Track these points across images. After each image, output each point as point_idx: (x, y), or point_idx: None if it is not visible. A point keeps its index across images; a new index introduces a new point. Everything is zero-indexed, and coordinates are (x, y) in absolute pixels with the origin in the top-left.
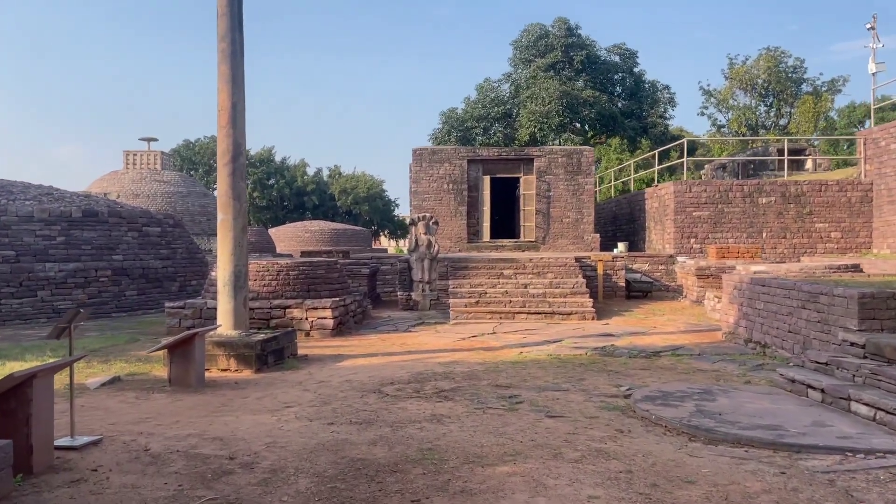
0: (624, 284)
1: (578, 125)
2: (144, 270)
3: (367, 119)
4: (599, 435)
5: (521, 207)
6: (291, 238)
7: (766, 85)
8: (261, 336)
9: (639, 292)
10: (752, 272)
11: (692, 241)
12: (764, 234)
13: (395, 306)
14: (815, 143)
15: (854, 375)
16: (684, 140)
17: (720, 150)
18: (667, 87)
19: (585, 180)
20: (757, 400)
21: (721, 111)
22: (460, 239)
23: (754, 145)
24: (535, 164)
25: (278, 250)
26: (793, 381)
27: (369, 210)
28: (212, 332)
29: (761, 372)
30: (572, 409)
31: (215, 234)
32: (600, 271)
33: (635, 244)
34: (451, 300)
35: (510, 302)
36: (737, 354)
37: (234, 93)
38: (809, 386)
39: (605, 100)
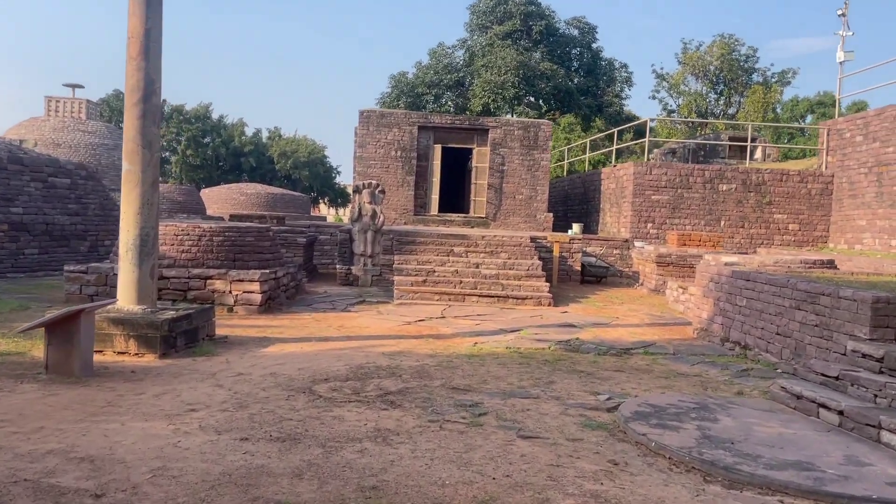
0: (579, 268)
1: (533, 99)
2: (49, 227)
3: (311, 82)
4: (591, 469)
5: (473, 181)
6: (225, 200)
7: (717, 72)
8: (170, 313)
9: (593, 277)
10: (724, 263)
11: (649, 225)
12: (722, 223)
13: (333, 280)
14: (760, 132)
15: (876, 396)
16: (647, 120)
17: (667, 136)
18: (624, 66)
19: (542, 156)
20: (765, 421)
21: (672, 96)
22: (406, 211)
23: (703, 132)
24: (489, 135)
25: (209, 213)
26: (798, 396)
27: (309, 176)
28: (110, 307)
29: (749, 379)
30: (548, 426)
31: None
32: (556, 253)
33: (588, 226)
34: (395, 277)
35: (461, 283)
36: (715, 356)
37: (150, 16)
38: (823, 405)
39: (563, 74)
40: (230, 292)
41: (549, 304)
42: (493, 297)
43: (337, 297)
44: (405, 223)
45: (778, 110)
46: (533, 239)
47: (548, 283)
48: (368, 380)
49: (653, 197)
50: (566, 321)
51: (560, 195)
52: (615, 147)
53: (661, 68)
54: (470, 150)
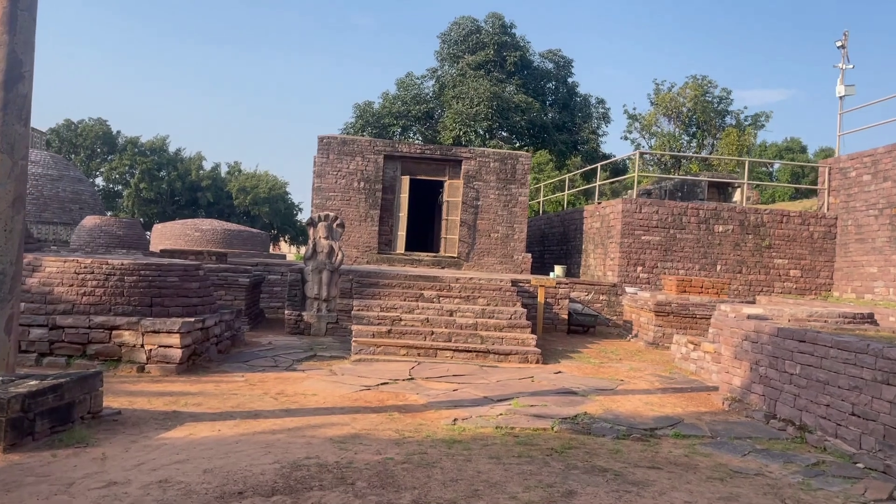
0: (566, 317)
1: (507, 133)
2: None
3: (273, 116)
4: None
5: (444, 216)
6: (179, 236)
7: (690, 114)
8: (29, 384)
9: (580, 326)
10: (747, 315)
11: (639, 269)
12: (719, 267)
13: (281, 328)
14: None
15: None
16: (637, 153)
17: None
18: (601, 102)
19: (520, 190)
20: None
21: (644, 137)
22: (369, 248)
23: (677, 173)
24: (463, 166)
25: (158, 249)
26: None
27: (270, 212)
28: None
29: (830, 481)
30: None
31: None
32: (541, 300)
33: (569, 269)
34: (354, 326)
35: (432, 334)
36: (766, 440)
37: None
38: None
39: (538, 108)
40: (142, 346)
41: (538, 362)
42: (471, 352)
43: (283, 349)
44: (368, 262)
45: (749, 154)
46: (514, 282)
47: (534, 336)
48: (305, 493)
49: (643, 237)
50: (564, 386)
51: (536, 235)
52: (598, 183)
53: (634, 108)
54: (441, 183)
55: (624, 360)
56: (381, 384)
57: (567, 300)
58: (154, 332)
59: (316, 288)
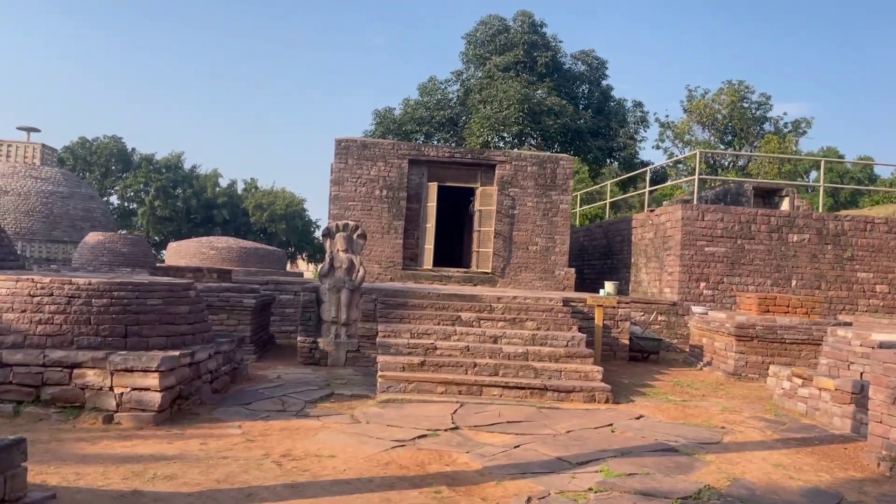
0: (626, 342)
1: (540, 139)
2: None
3: (290, 132)
4: None
5: (476, 227)
6: (194, 255)
7: (726, 121)
8: None
9: (640, 352)
10: (878, 343)
11: (702, 285)
12: (794, 283)
13: (293, 356)
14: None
15: None
16: (697, 152)
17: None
18: (639, 105)
19: (561, 197)
20: None
21: (677, 146)
22: (393, 264)
23: (714, 184)
24: (497, 171)
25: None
26: None
27: (286, 229)
28: None
29: None
30: None
31: None
32: (599, 322)
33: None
34: (380, 357)
35: (474, 366)
36: None
37: None
38: None
39: (572, 111)
40: (110, 389)
41: (608, 401)
42: (523, 388)
43: (293, 386)
44: (391, 279)
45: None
46: (566, 302)
47: (599, 368)
48: None
49: (706, 249)
50: (656, 438)
51: (574, 249)
52: (648, 189)
53: (667, 116)
54: (472, 191)
55: (708, 396)
56: (419, 437)
57: (628, 322)
58: (126, 370)
59: (333, 310)
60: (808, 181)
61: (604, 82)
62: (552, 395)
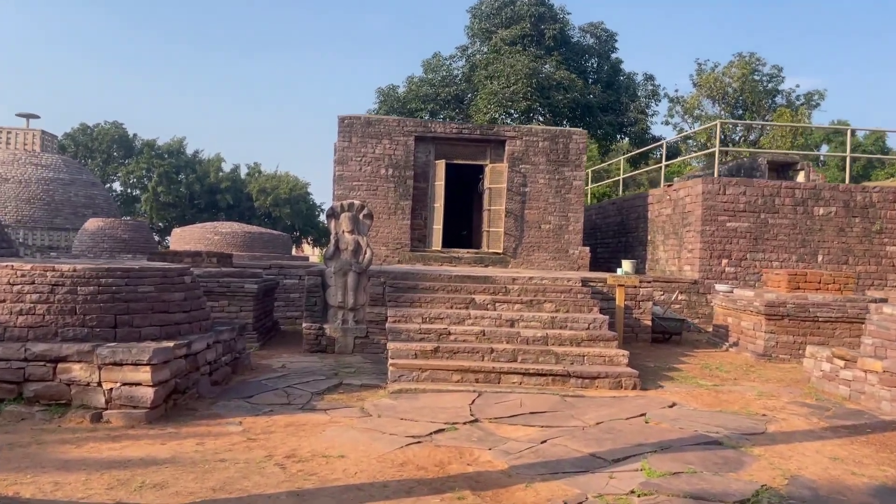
0: (649, 323)
1: (547, 114)
2: None
3: (293, 115)
4: None
5: (486, 206)
6: (199, 240)
7: (736, 95)
8: None
9: (662, 334)
10: None
11: (724, 262)
12: (820, 258)
13: (299, 343)
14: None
15: None
16: (717, 122)
17: (680, 167)
18: (650, 78)
19: (574, 173)
20: None
21: (686, 121)
22: (400, 245)
23: (726, 158)
24: (506, 147)
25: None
26: None
27: (291, 213)
28: None
29: None
30: None
31: None
32: (620, 303)
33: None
34: (390, 344)
35: (491, 352)
36: None
37: None
38: None
39: (581, 85)
40: (99, 384)
41: (636, 387)
42: (544, 375)
43: (299, 376)
44: (399, 261)
45: (804, 136)
46: (584, 282)
47: (624, 352)
48: None
49: (728, 224)
50: (695, 429)
51: (586, 227)
52: (664, 163)
53: (676, 91)
54: (481, 168)
55: (740, 380)
56: (436, 432)
57: (650, 302)
58: (115, 364)
59: (340, 294)
60: (821, 155)
61: (613, 55)
62: (575, 382)
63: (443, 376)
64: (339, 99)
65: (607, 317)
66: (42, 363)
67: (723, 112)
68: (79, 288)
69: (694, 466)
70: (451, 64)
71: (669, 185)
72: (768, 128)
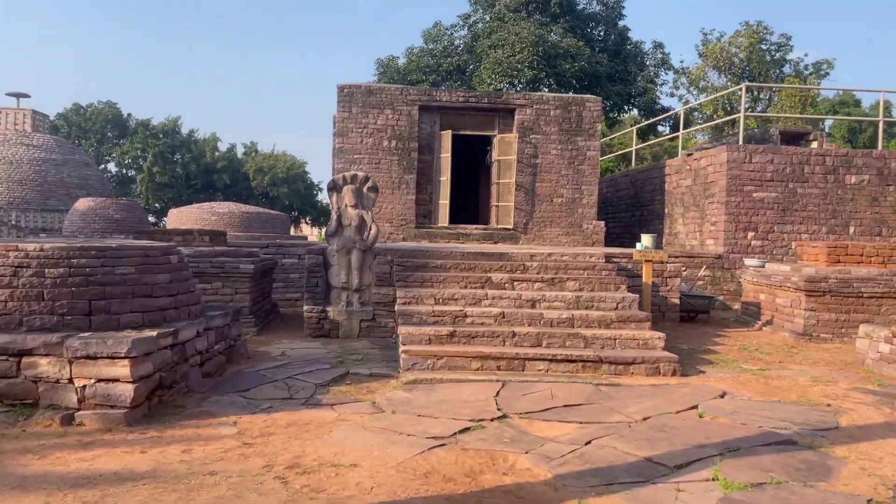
0: (677, 301)
1: (555, 84)
2: None
3: (290, 93)
4: None
5: (495, 180)
6: (196, 221)
7: (743, 65)
8: None
9: (690, 313)
10: None
11: (750, 235)
12: (851, 230)
13: (300, 327)
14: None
15: None
16: (743, 86)
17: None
18: (659, 46)
19: (588, 143)
20: None
21: (692, 93)
22: (405, 221)
23: (733, 128)
24: (516, 116)
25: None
26: None
27: (289, 193)
28: None
29: None
30: None
31: None
32: (647, 280)
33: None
34: (401, 328)
35: (513, 336)
36: None
37: None
38: None
39: (588, 54)
40: (69, 381)
41: (675, 373)
42: (573, 361)
43: (300, 365)
44: (403, 238)
45: (814, 106)
46: (608, 257)
47: (659, 334)
48: None
49: (754, 194)
50: (759, 425)
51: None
52: (682, 132)
53: (681, 62)
54: (489, 139)
55: (785, 363)
56: (461, 431)
57: (678, 279)
58: (88, 357)
59: (343, 274)
60: (825, 128)
61: (620, 23)
62: (608, 369)
63: (461, 364)
64: (338, 75)
65: (637, 296)
66: (4, 357)
67: (729, 83)
68: (47, 270)
69: (775, 475)
70: (452, 33)
71: (690, 155)
72: (776, 99)
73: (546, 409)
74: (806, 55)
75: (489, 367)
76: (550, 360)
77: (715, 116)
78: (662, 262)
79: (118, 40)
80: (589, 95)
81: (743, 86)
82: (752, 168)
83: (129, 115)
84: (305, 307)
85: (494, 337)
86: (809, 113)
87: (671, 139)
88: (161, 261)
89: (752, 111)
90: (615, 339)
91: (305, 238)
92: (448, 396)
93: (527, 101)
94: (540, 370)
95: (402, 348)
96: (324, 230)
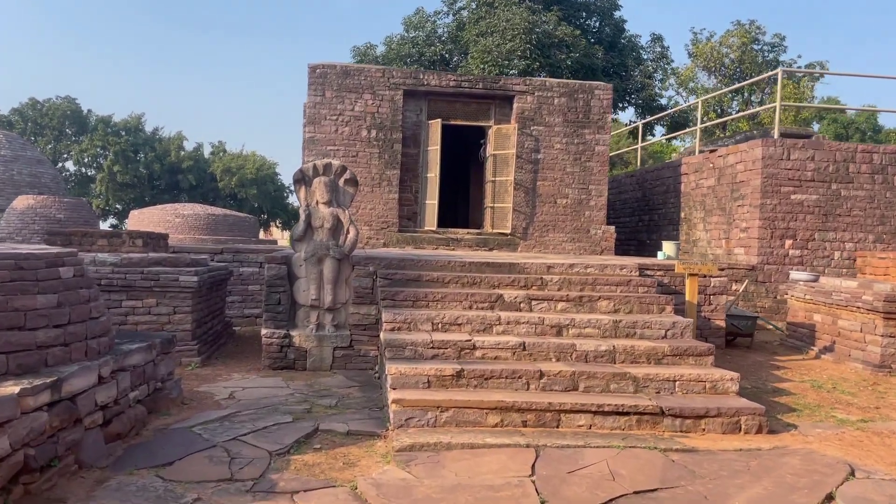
0: (722, 323)
1: (549, 76)
2: None
3: (260, 89)
4: None
5: (490, 177)
6: (158, 223)
7: (734, 66)
8: None
9: (728, 335)
10: None
11: (788, 243)
12: None
13: (257, 355)
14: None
15: None
16: (778, 71)
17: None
18: (658, 39)
19: (597, 136)
20: None
21: (681, 94)
22: (386, 225)
23: (723, 133)
24: (515, 104)
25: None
26: None
27: (258, 195)
28: None
29: None
30: None
31: None
32: (692, 298)
33: (658, 247)
34: (389, 365)
35: (541, 376)
36: None
37: None
38: None
39: (585, 44)
40: None
41: (762, 430)
42: (624, 414)
43: (252, 416)
44: (385, 244)
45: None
46: (642, 270)
47: (731, 374)
48: None
49: (793, 197)
50: None
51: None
52: (699, 126)
53: (671, 62)
54: (483, 130)
55: (882, 408)
56: None
57: (724, 297)
58: None
59: (313, 289)
60: (815, 131)
61: (616, 14)
62: (671, 424)
63: (473, 418)
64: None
65: (689, 320)
66: None
67: (719, 84)
68: None
69: None
70: (436, 20)
71: (713, 151)
72: (767, 99)
73: (611, 501)
74: (799, 56)
75: (512, 421)
76: (595, 413)
77: (705, 119)
78: (707, 276)
79: (79, 33)
80: (598, 82)
81: (780, 70)
82: (791, 166)
83: (88, 111)
84: (264, 331)
85: (515, 378)
86: (805, 116)
87: (670, 138)
88: (43, 276)
89: (742, 111)
90: (675, 381)
91: (275, 242)
92: (463, 476)
93: (527, 87)
94: (581, 426)
95: (391, 395)
96: (292, 230)
